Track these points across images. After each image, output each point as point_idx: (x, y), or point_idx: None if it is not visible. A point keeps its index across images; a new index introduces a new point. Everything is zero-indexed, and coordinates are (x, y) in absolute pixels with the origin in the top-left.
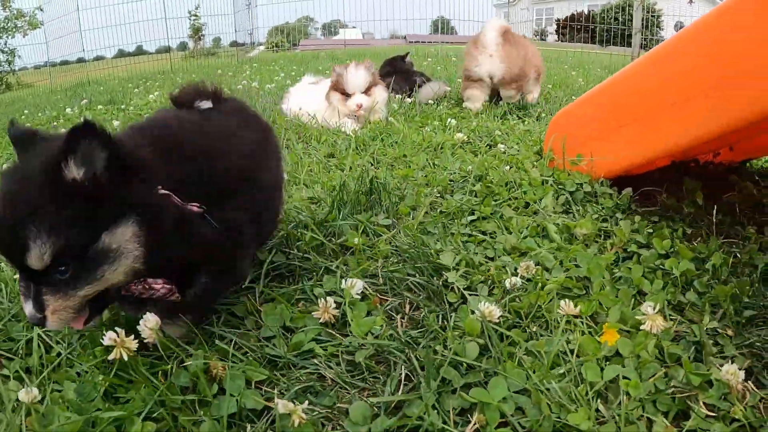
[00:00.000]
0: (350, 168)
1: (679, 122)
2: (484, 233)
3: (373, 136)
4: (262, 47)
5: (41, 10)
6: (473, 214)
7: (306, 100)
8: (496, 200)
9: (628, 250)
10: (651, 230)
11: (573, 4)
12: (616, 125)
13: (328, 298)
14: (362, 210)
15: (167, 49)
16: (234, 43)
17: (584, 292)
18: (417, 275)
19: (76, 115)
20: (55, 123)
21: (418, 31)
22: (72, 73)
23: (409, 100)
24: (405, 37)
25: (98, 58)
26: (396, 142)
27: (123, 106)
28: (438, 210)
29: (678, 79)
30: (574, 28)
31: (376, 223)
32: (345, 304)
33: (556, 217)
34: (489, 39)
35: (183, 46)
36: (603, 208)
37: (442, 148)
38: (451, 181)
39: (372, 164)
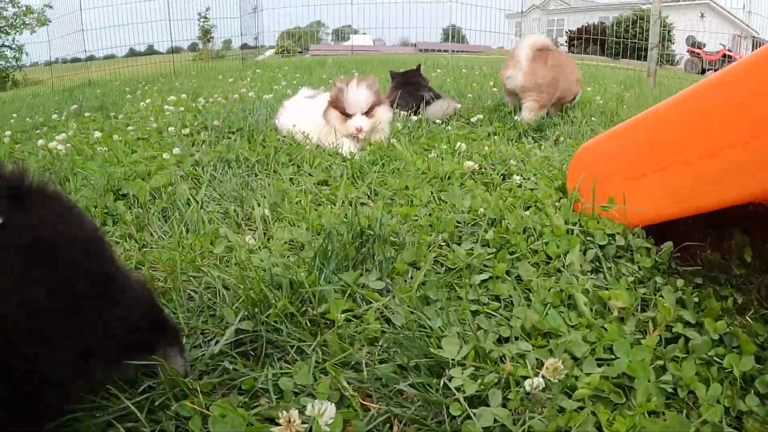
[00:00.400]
0: (342, 202)
1: (748, 166)
2: (497, 298)
3: (372, 161)
4: (271, 51)
5: (50, 7)
6: (485, 270)
7: (301, 116)
8: (512, 252)
9: (674, 330)
10: (697, 299)
11: (584, 15)
12: (658, 166)
13: (293, 412)
14: (351, 266)
15: (177, 50)
16: (244, 46)
17: (624, 400)
18: (411, 374)
19: (62, 123)
20: (38, 130)
21: (428, 39)
22: (79, 72)
23: (414, 118)
24: (415, 45)
25: (109, 57)
26: (398, 169)
27: (113, 114)
28: (442, 265)
29: (746, 112)
30: (584, 39)
31: (366, 285)
32: (313, 425)
33: (584, 281)
34: (520, 54)
35: (194, 47)
36: (639, 268)
37: (449, 178)
38: (459, 224)
39: (369, 196)
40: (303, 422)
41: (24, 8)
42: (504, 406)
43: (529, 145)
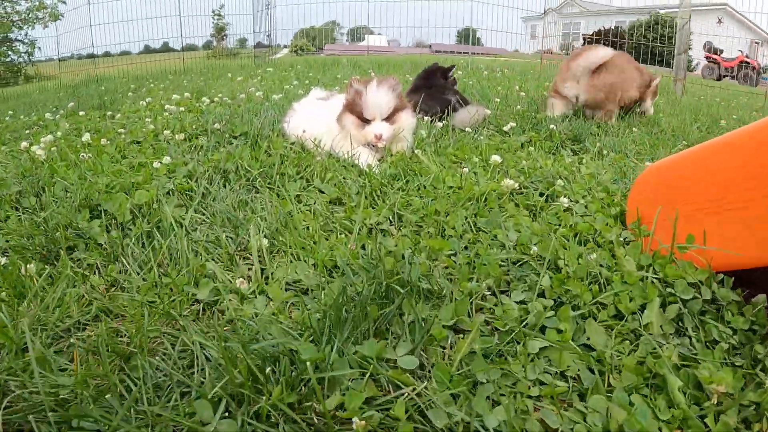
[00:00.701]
0: (360, 229)
1: None
2: (563, 376)
3: (394, 175)
4: (286, 50)
5: (64, 2)
6: (543, 332)
7: (312, 120)
8: (575, 307)
9: None
10: None
11: (601, 19)
12: (752, 198)
13: None
14: (372, 331)
15: (193, 48)
16: (258, 45)
17: None
18: None
19: (54, 122)
20: (28, 131)
21: (443, 40)
22: (89, 68)
23: (440, 124)
24: (430, 46)
25: (125, 53)
26: (424, 187)
27: (110, 113)
28: (488, 323)
29: None
30: (601, 43)
31: (392, 362)
32: None
33: (670, 350)
34: (580, 66)
35: (208, 45)
36: (733, 331)
37: (486, 200)
38: (504, 263)
39: (391, 221)
40: None
41: (37, 3)
42: None
43: (569, 159)
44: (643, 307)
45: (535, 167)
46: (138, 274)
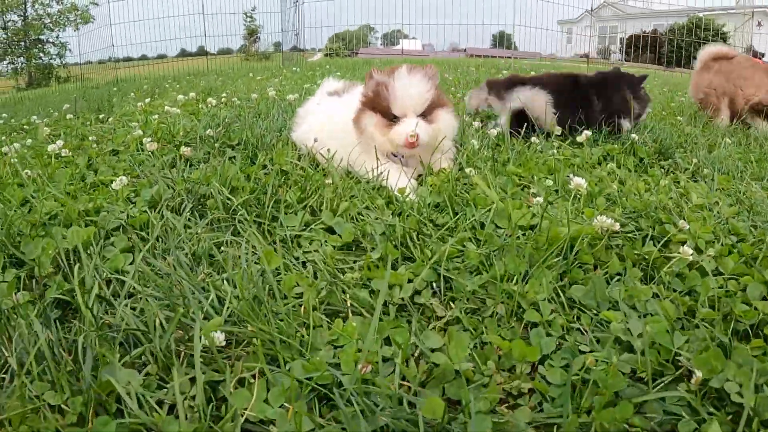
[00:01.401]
0: (385, 307)
1: None
2: None
3: (438, 204)
4: (320, 54)
5: (96, 4)
6: None
7: (325, 124)
8: None
9: None
10: None
11: (639, 22)
12: None
13: None
14: None
15: (228, 51)
16: (294, 48)
17: None
18: None
19: (35, 127)
20: (5, 137)
21: (478, 44)
22: (118, 69)
23: (494, 130)
24: (465, 50)
25: (161, 57)
26: (481, 224)
27: (102, 116)
28: None
29: None
30: (639, 47)
31: None
32: None
33: None
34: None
35: (242, 49)
36: None
37: (576, 252)
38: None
39: (436, 287)
40: None
41: (68, 5)
42: None
43: (663, 181)
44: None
45: (628, 193)
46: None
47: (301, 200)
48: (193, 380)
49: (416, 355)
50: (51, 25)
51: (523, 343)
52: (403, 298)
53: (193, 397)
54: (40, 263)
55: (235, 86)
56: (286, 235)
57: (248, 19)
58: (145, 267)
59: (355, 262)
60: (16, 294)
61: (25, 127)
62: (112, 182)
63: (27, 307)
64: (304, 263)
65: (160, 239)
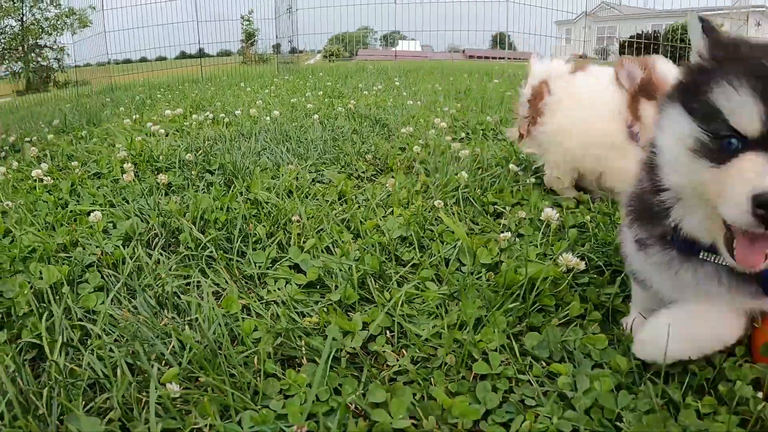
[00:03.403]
0: (336, 354)
1: None
2: None
3: (404, 238)
4: (319, 56)
5: (93, 8)
6: None
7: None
8: None
9: None
10: None
11: (637, 23)
12: None
13: None
14: None
15: (227, 53)
16: (293, 50)
17: None
18: None
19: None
20: None
21: (477, 45)
22: (120, 76)
23: None
24: (464, 51)
25: (161, 59)
26: (446, 262)
27: (84, 133)
28: None
29: None
30: (636, 47)
31: None
32: None
33: None
34: None
35: (242, 51)
36: None
37: (538, 293)
38: None
39: (389, 338)
40: None
41: (66, 9)
42: None
43: None
44: None
45: (602, 223)
46: None
47: (270, 235)
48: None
49: (360, 408)
50: (49, 29)
51: (465, 402)
52: (352, 350)
53: None
54: (15, 303)
55: (224, 98)
56: (252, 273)
57: (246, 23)
58: (113, 310)
59: (317, 303)
60: None
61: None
62: (90, 213)
63: (4, 348)
64: (267, 303)
65: (131, 276)
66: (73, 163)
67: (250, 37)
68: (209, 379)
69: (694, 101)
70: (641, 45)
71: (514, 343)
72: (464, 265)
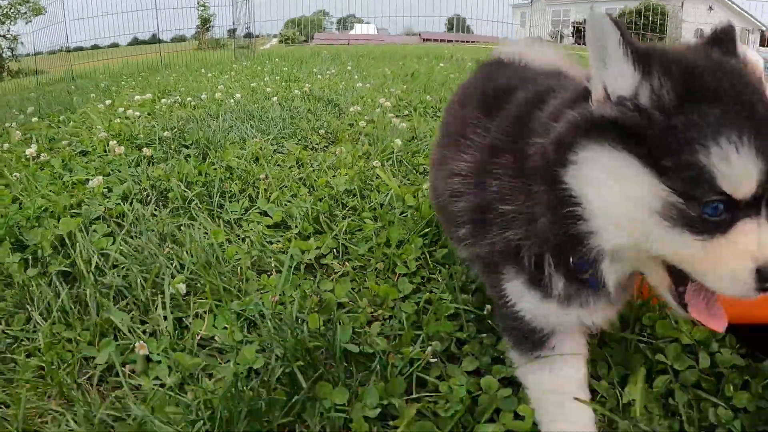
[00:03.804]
0: (297, 266)
1: None
2: None
3: (350, 191)
4: (275, 40)
5: None
6: (498, 415)
7: None
8: None
9: None
10: None
11: (591, 6)
12: None
13: None
14: (276, 426)
15: (182, 39)
16: (248, 35)
17: None
18: None
19: (7, 130)
20: None
21: (433, 28)
22: (78, 65)
23: None
24: (419, 34)
25: (113, 45)
26: (381, 205)
27: (62, 118)
28: (432, 405)
29: None
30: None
31: None
32: None
33: None
34: None
35: (196, 35)
36: (735, 412)
37: None
38: (459, 315)
39: (336, 255)
40: None
41: None
42: None
43: None
44: (624, 379)
45: None
46: (40, 325)
47: (242, 191)
48: (165, 317)
49: (315, 292)
50: (2, 17)
51: (388, 287)
52: (309, 261)
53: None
54: (42, 246)
55: (187, 83)
56: (230, 218)
57: (201, 8)
58: (124, 246)
59: (281, 236)
60: (25, 271)
61: None
62: (87, 181)
63: (37, 278)
64: (243, 239)
65: (133, 225)
66: (63, 143)
67: (205, 22)
68: (207, 280)
69: (665, 158)
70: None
71: (428, 256)
72: (394, 207)
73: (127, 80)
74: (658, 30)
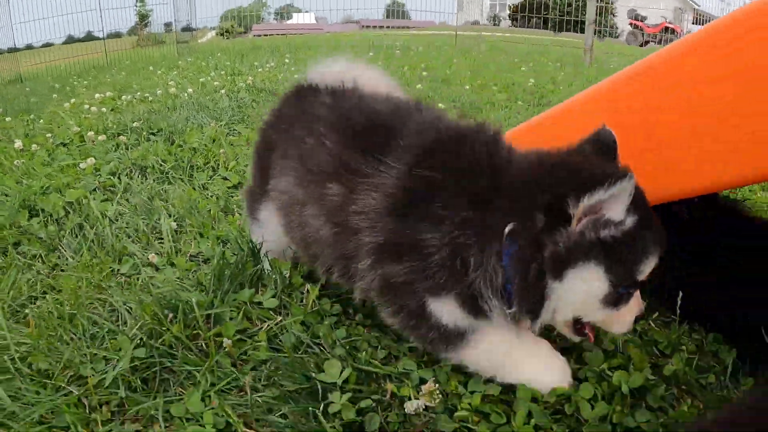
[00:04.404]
0: None
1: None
2: None
3: None
4: (212, 33)
5: None
6: None
7: None
8: None
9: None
10: None
11: None
12: None
13: None
14: (248, 282)
15: (118, 35)
16: (186, 28)
17: (504, 420)
18: (292, 402)
19: None
20: None
21: (372, 15)
22: (8, 67)
23: None
24: (358, 22)
25: (47, 45)
26: None
27: (34, 116)
28: None
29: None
30: (527, 13)
31: (261, 304)
32: None
33: None
34: None
35: (133, 31)
36: None
37: None
38: None
39: None
40: None
41: None
42: (384, 428)
43: None
44: None
45: None
46: (73, 258)
47: (206, 163)
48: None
49: None
50: None
51: None
52: None
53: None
54: (55, 210)
55: (139, 81)
56: (199, 184)
57: (139, 4)
58: (122, 206)
59: (238, 192)
60: (46, 227)
61: None
62: (77, 165)
63: (56, 231)
64: (211, 196)
65: (125, 192)
66: (47, 135)
67: (143, 18)
68: (191, 220)
69: (616, 264)
70: (532, 11)
71: None
72: None
73: (78, 80)
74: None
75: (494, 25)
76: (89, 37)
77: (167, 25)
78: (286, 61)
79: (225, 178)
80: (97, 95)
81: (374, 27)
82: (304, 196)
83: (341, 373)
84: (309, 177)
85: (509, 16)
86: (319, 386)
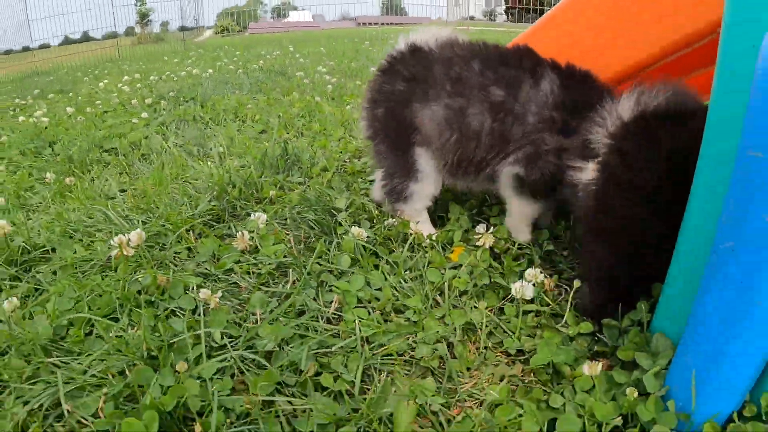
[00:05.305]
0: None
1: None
2: None
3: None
4: (209, 32)
5: None
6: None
7: None
8: None
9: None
10: None
11: None
12: None
13: (244, 231)
14: (282, 172)
15: (114, 35)
16: (183, 28)
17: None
18: (315, 215)
19: (30, 105)
20: (10, 112)
21: (368, 12)
22: (20, 63)
23: None
24: (355, 19)
25: (43, 46)
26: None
27: (71, 95)
28: (346, 172)
29: None
30: (523, 8)
31: (290, 181)
32: (257, 236)
33: None
34: None
35: (131, 31)
36: None
37: None
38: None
39: (302, 133)
40: (251, 238)
41: None
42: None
43: None
44: None
45: None
46: (149, 168)
47: (236, 116)
48: (213, 162)
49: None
50: None
51: (327, 140)
52: (286, 138)
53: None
54: (122, 146)
55: (159, 68)
56: (233, 129)
57: (139, 3)
58: (180, 140)
59: (264, 136)
60: (117, 157)
61: (17, 106)
62: (131, 120)
63: (126, 159)
64: (245, 133)
65: (175, 133)
66: (96, 102)
67: (144, 17)
68: (232, 148)
69: None
70: (528, 6)
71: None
72: (331, 121)
73: (99, 71)
74: None
75: (490, 20)
76: (85, 38)
77: (164, 23)
78: (291, 49)
79: (253, 127)
80: (125, 77)
81: (372, 24)
82: (463, 103)
83: (347, 204)
84: (466, 91)
85: (505, 11)
86: (334, 212)
